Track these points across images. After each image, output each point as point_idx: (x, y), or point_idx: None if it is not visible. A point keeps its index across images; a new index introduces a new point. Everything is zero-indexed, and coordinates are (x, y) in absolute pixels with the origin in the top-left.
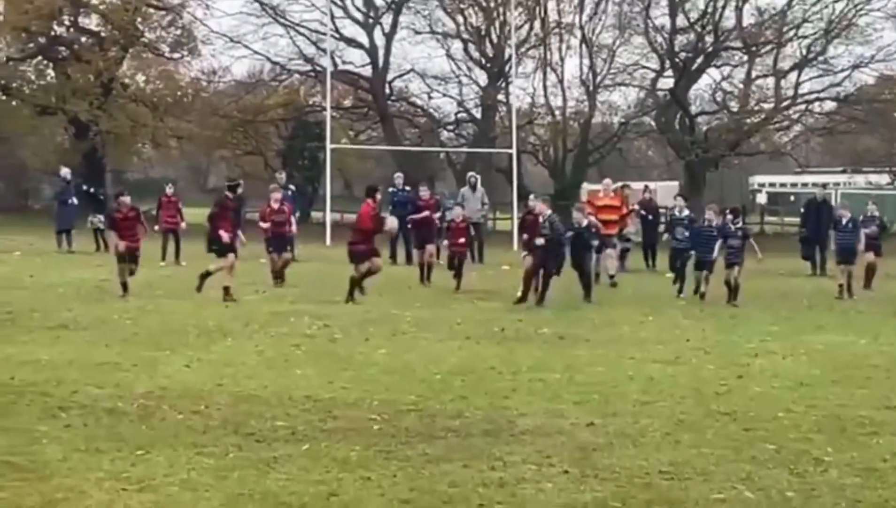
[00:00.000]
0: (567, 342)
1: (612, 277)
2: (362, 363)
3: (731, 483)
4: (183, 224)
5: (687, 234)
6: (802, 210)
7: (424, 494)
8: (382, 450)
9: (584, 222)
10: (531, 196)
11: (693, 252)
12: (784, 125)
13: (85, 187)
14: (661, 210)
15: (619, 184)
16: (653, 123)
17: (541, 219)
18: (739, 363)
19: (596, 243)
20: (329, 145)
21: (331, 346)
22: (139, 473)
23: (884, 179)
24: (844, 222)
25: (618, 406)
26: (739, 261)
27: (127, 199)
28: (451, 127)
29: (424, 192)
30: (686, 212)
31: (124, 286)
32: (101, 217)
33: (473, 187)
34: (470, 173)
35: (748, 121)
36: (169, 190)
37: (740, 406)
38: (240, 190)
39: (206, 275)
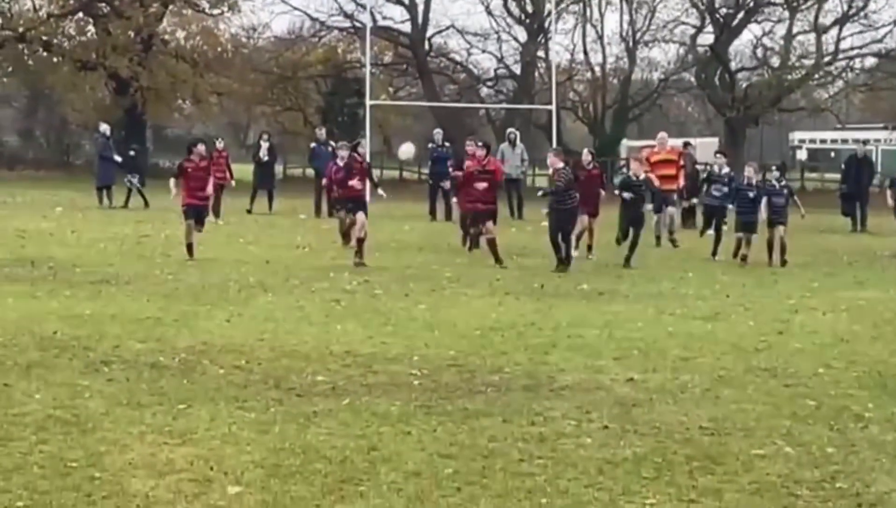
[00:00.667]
0: (606, 297)
1: (672, 236)
2: (402, 318)
3: (772, 439)
4: (232, 182)
5: (725, 190)
6: (843, 167)
7: (464, 448)
8: (423, 405)
9: (642, 175)
10: (585, 151)
11: (729, 210)
12: (825, 81)
13: (132, 152)
14: (700, 166)
15: (682, 141)
16: (693, 80)
17: (551, 171)
18: (780, 319)
19: (649, 204)
20: (368, 102)
21: (371, 302)
22: (181, 427)
23: None
24: None
25: (658, 362)
26: (784, 220)
27: (202, 148)
28: (490, 83)
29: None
30: (726, 169)
31: (189, 249)
32: (137, 177)
33: (513, 144)
34: (509, 130)
35: (789, 77)
36: (219, 144)
37: (780, 362)
38: (361, 149)
39: (360, 241)
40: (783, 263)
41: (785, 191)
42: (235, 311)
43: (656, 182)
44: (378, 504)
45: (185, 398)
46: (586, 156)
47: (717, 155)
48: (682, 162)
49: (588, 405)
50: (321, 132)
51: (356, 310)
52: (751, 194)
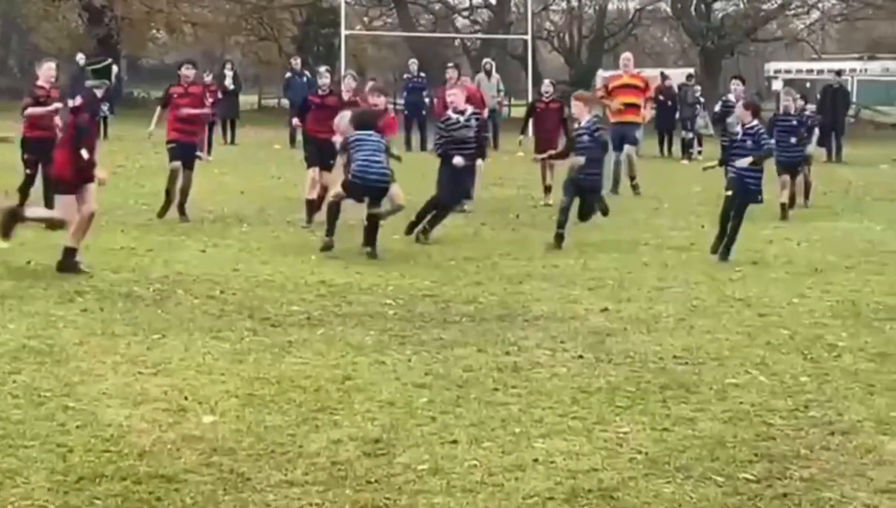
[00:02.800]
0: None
1: (634, 182)
2: (377, 248)
3: (745, 368)
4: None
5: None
6: (819, 97)
7: (439, 378)
8: (397, 335)
9: (586, 120)
10: (545, 81)
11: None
12: (800, 11)
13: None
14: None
15: (659, 72)
16: (668, 10)
17: (576, 125)
18: (754, 250)
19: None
20: (343, 32)
21: (346, 232)
22: (155, 357)
23: None
24: None
25: (632, 292)
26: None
27: (191, 72)
28: (466, 13)
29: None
30: (735, 97)
31: (167, 198)
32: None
33: (489, 74)
34: (485, 60)
35: (764, 7)
36: (207, 78)
37: (755, 292)
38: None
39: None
40: (805, 202)
41: (808, 122)
42: (210, 242)
43: (613, 107)
44: (352, 433)
45: (160, 328)
46: (547, 86)
47: (691, 78)
48: (649, 91)
49: (562, 335)
50: (296, 62)
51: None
52: (790, 127)
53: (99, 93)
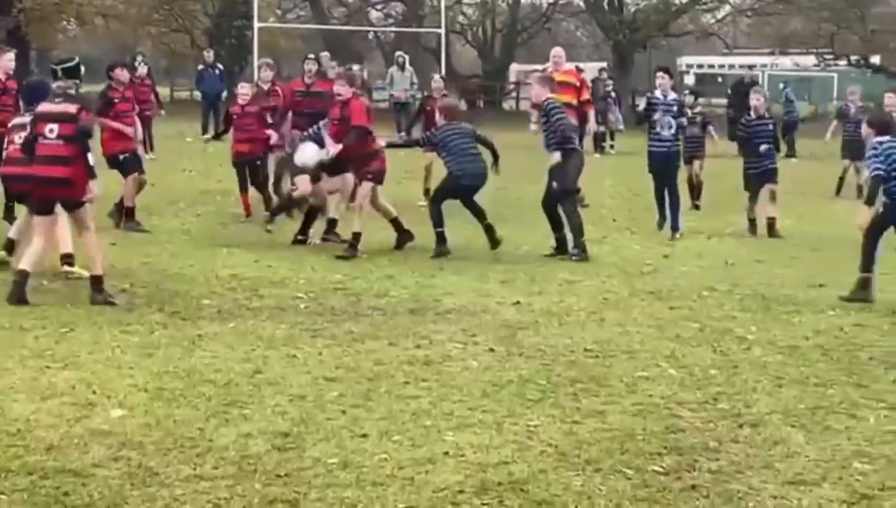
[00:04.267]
0: (494, 221)
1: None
2: (289, 242)
3: (655, 361)
4: (162, 111)
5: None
6: (730, 91)
7: (350, 372)
8: (308, 328)
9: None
10: (435, 77)
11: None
12: (712, 6)
13: None
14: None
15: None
16: (582, 4)
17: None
18: (665, 243)
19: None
20: (256, 24)
21: (257, 226)
22: (63, 351)
23: (810, 60)
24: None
25: (543, 286)
26: (701, 153)
27: (123, 73)
28: (379, 6)
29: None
30: (672, 95)
31: (130, 214)
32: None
33: (402, 67)
34: (398, 53)
35: (676, 2)
36: (142, 70)
37: (665, 285)
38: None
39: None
40: (695, 201)
41: (698, 119)
42: (120, 234)
43: (535, 119)
44: (262, 427)
45: (68, 321)
46: (437, 83)
47: (602, 71)
48: (586, 91)
49: (474, 328)
50: (209, 54)
51: (242, 233)
52: (767, 132)
53: (72, 93)
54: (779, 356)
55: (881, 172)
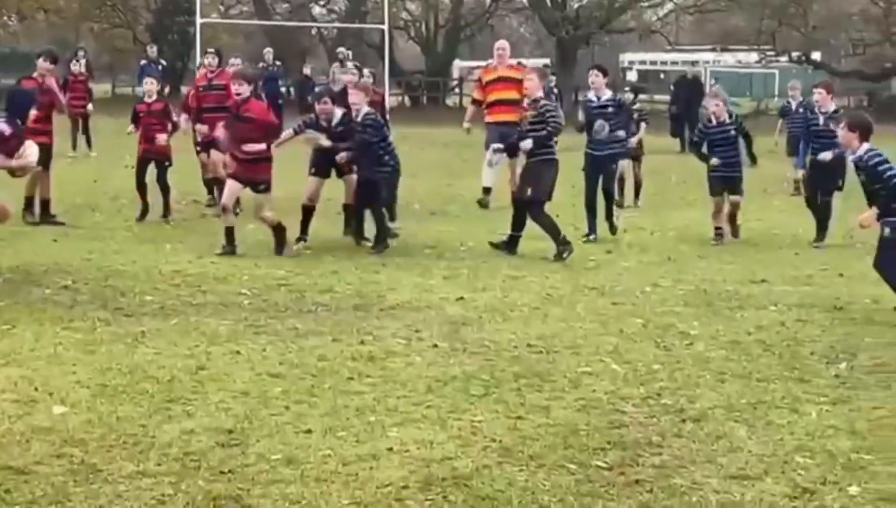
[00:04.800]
0: (438, 218)
1: (486, 191)
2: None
3: (599, 356)
4: (90, 106)
5: (606, 132)
6: (672, 88)
7: (294, 368)
8: (252, 324)
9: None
10: (366, 72)
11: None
12: (654, 3)
13: None
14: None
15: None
16: (524, 0)
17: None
18: (608, 239)
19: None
20: (199, 20)
21: (200, 222)
22: (5, 348)
23: (752, 57)
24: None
25: (487, 281)
26: (641, 151)
27: (47, 63)
28: (322, 2)
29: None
30: (607, 95)
31: (29, 204)
32: None
33: (343, 63)
34: (339, 49)
35: None
36: (75, 67)
37: (609, 281)
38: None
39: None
40: (636, 201)
41: (636, 116)
42: (61, 231)
43: (469, 112)
44: (206, 423)
45: (10, 318)
46: (367, 78)
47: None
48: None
49: (418, 324)
50: (153, 50)
51: (185, 230)
52: (726, 136)
53: None
54: (721, 352)
55: None
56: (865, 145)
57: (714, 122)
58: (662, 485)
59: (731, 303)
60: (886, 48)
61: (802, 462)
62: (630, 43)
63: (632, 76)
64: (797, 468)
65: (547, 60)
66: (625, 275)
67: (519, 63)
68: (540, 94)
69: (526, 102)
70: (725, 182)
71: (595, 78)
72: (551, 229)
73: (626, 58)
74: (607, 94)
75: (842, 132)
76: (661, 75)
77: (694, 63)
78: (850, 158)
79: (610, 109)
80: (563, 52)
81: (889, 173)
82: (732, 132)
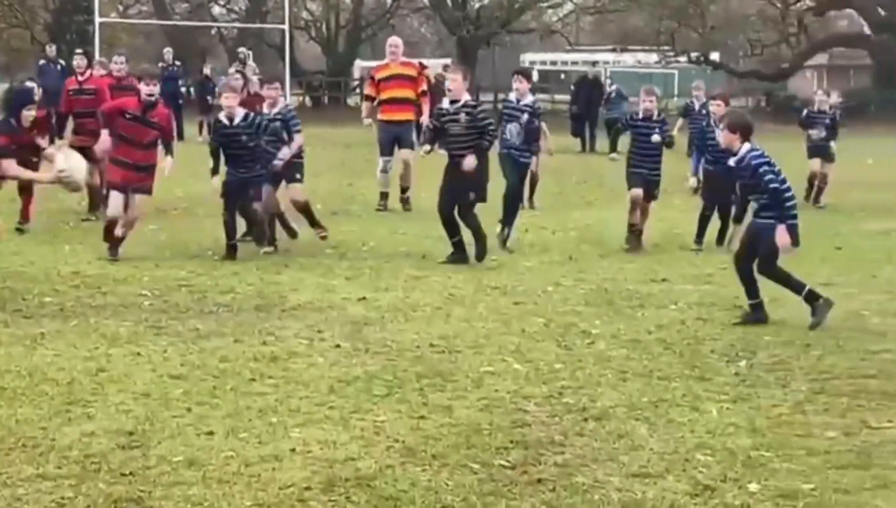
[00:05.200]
0: (339, 217)
1: (405, 193)
2: (133, 239)
3: (501, 356)
4: None
5: (516, 134)
6: (573, 88)
7: (195, 369)
8: (153, 326)
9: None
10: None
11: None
12: (555, 3)
13: None
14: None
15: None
16: (425, 0)
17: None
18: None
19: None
20: (98, 19)
21: (99, 223)
22: None
23: (652, 57)
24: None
25: (389, 281)
26: (537, 149)
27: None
28: (222, 2)
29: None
30: (527, 99)
31: None
32: None
33: (243, 63)
34: (240, 49)
35: None
36: None
37: (511, 281)
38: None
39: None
40: (530, 200)
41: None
42: None
43: (366, 108)
44: (106, 425)
45: None
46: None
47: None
48: (423, 82)
49: (320, 325)
50: (51, 50)
51: (84, 231)
52: (648, 131)
53: None
54: (622, 350)
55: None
56: (747, 146)
57: (642, 116)
58: (565, 484)
59: (632, 302)
60: (783, 49)
61: (703, 460)
62: (531, 43)
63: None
64: (698, 465)
65: (448, 60)
66: (526, 275)
67: (420, 63)
68: (466, 96)
69: (449, 103)
70: (646, 183)
71: (519, 84)
72: (478, 229)
73: (526, 58)
74: (529, 98)
75: (722, 133)
76: (562, 76)
77: (594, 63)
78: (731, 161)
79: (525, 115)
80: (463, 51)
81: (768, 177)
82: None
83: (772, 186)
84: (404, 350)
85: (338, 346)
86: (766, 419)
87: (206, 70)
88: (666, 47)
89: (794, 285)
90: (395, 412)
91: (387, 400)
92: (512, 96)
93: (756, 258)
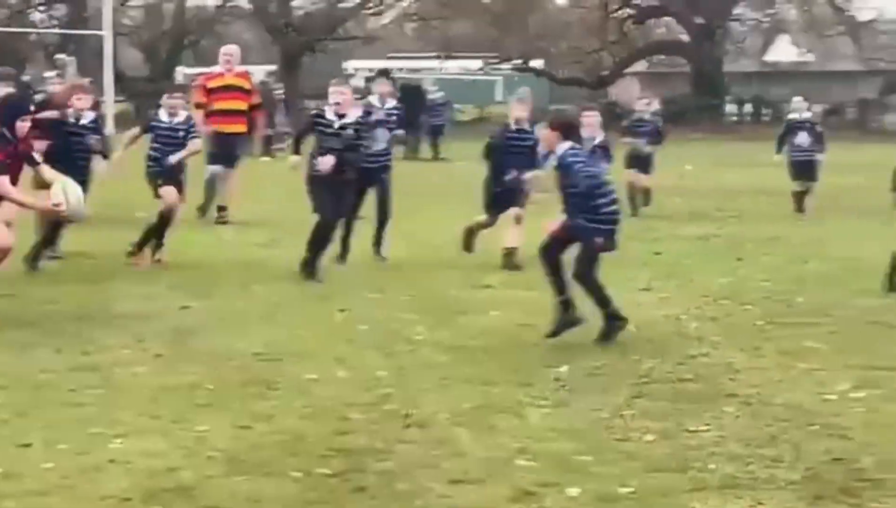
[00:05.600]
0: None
1: (222, 215)
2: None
3: (325, 364)
4: None
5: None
6: (399, 95)
7: (14, 380)
8: None
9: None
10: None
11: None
12: (377, 10)
13: None
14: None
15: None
16: (249, 6)
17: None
18: (335, 246)
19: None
20: None
21: None
22: None
23: (476, 64)
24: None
25: (213, 289)
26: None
27: None
28: (42, 7)
29: None
30: (390, 103)
31: None
32: None
33: (62, 70)
34: (58, 56)
35: (342, 5)
36: None
37: (335, 288)
38: None
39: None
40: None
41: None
42: None
43: (202, 125)
44: None
45: None
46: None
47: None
48: (256, 96)
49: (143, 334)
50: None
51: None
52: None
53: None
54: (446, 357)
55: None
56: (566, 144)
57: (514, 127)
58: (386, 491)
59: (456, 308)
60: (604, 56)
61: (524, 465)
62: (355, 49)
63: (357, 83)
64: (519, 470)
65: (273, 67)
66: (351, 282)
67: (246, 71)
68: (357, 112)
69: (335, 116)
70: (510, 196)
71: (381, 87)
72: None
73: (350, 65)
74: (391, 102)
75: (542, 131)
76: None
77: (418, 70)
78: (550, 160)
79: (392, 120)
80: (287, 58)
81: (585, 172)
82: (531, 143)
83: (587, 182)
84: (228, 359)
85: (160, 355)
86: (585, 424)
87: (26, 77)
88: (489, 54)
89: (602, 299)
90: (217, 420)
91: (209, 409)
92: (374, 100)
93: (563, 252)
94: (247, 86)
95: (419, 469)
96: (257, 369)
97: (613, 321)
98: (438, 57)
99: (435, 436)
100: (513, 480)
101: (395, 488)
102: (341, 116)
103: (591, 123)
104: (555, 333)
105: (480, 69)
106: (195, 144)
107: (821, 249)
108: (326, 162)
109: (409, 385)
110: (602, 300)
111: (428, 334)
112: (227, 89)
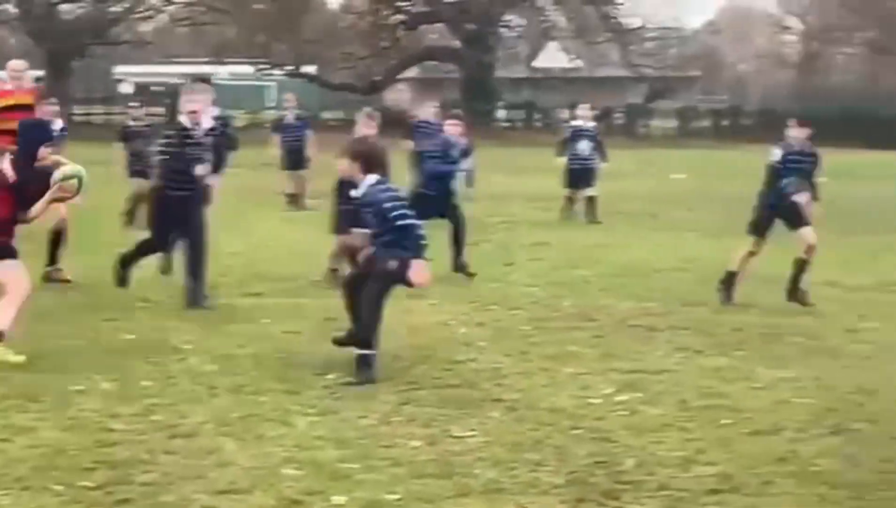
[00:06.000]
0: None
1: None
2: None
3: (88, 374)
4: None
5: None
6: (168, 102)
7: None
8: None
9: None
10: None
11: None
12: (147, 15)
13: None
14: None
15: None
16: (13, 10)
17: None
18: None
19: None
20: None
21: None
22: None
23: (249, 70)
24: None
25: None
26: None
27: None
28: None
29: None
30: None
31: None
32: None
33: None
34: None
35: (112, 10)
36: None
37: (97, 296)
38: None
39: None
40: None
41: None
42: None
43: None
44: None
45: None
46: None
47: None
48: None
49: None
50: None
51: None
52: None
53: None
54: (214, 366)
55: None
56: (371, 178)
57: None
58: (151, 503)
59: (225, 316)
60: (376, 62)
61: (290, 474)
62: (126, 54)
63: (127, 88)
64: (285, 479)
65: (40, 73)
66: (115, 291)
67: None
68: (209, 121)
69: (193, 124)
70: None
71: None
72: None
73: (120, 70)
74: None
75: (341, 162)
76: (160, 88)
77: (189, 76)
78: (354, 193)
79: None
80: (55, 63)
81: (395, 213)
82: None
83: (400, 223)
84: None
85: None
86: (352, 431)
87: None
88: (261, 60)
89: (367, 335)
90: None
91: None
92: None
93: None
94: (33, 103)
95: (185, 480)
96: (17, 381)
97: (368, 364)
98: (211, 62)
99: (201, 446)
100: (279, 489)
101: (159, 499)
102: (196, 125)
103: (456, 132)
104: (340, 342)
105: (254, 74)
106: None
107: (589, 254)
108: (205, 169)
109: (175, 395)
110: (368, 337)
111: (196, 342)
112: (18, 109)
